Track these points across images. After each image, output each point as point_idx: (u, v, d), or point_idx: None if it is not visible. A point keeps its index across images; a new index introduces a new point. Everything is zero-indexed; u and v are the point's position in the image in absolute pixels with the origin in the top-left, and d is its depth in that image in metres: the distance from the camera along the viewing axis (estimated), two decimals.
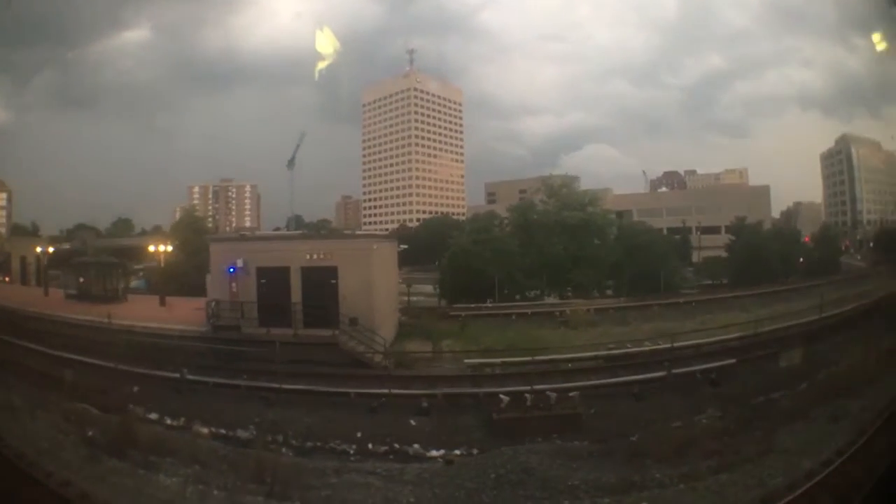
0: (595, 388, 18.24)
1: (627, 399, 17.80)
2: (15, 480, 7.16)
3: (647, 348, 22.72)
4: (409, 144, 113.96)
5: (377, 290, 25.09)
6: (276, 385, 19.03)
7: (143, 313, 28.73)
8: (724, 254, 54.04)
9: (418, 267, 55.02)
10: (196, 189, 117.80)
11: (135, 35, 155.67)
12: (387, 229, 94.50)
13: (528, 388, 17.55)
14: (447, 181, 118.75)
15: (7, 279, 49.56)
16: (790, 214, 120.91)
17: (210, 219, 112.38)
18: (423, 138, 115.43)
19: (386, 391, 18.41)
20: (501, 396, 16.68)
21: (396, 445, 15.45)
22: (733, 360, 20.23)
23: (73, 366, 19.86)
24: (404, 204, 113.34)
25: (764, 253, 48.19)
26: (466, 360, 22.74)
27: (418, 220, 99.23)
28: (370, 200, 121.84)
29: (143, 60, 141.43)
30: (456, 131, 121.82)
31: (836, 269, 55.05)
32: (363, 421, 16.83)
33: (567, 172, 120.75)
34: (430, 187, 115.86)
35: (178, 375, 20.13)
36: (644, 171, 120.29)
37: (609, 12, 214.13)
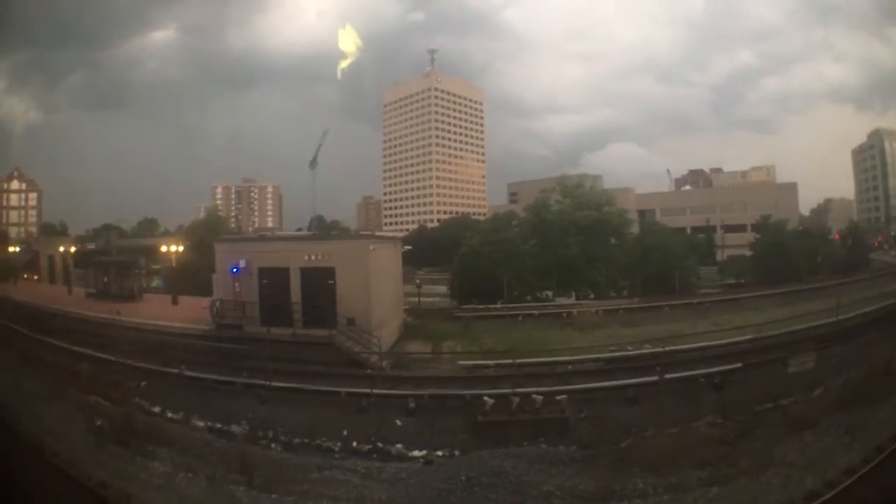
0: (586, 391, 17.73)
1: (621, 404, 17.19)
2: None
3: (647, 351, 22.02)
4: (430, 145, 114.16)
5: (375, 291, 25.09)
6: (268, 383, 19.24)
7: (154, 311, 29.64)
8: (748, 252, 52.63)
9: (437, 268, 55.01)
10: (219, 189, 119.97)
11: (162, 35, 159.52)
12: (407, 230, 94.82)
13: (512, 390, 17.37)
14: (468, 181, 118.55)
15: (36, 277, 51.17)
16: (821, 211, 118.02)
17: (233, 219, 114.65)
18: (443, 138, 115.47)
19: (375, 391, 18.38)
20: (486, 399, 16.49)
21: (380, 444, 15.56)
22: (739, 364, 19.25)
23: (85, 360, 20.82)
24: (425, 205, 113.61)
25: (786, 251, 46.82)
26: (460, 362, 22.68)
27: (439, 220, 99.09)
28: (391, 201, 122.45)
29: (169, 60, 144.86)
30: (477, 131, 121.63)
31: (865, 267, 52.96)
32: (351, 420, 16.94)
33: (585, 172, 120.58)
34: (450, 188, 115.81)
35: (177, 371, 20.85)
36: (668, 170, 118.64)
37: (634, 9, 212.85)
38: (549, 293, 41.26)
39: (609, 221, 45.78)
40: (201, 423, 16.34)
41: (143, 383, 19.37)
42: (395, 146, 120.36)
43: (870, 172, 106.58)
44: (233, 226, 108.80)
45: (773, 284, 39.57)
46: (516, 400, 16.49)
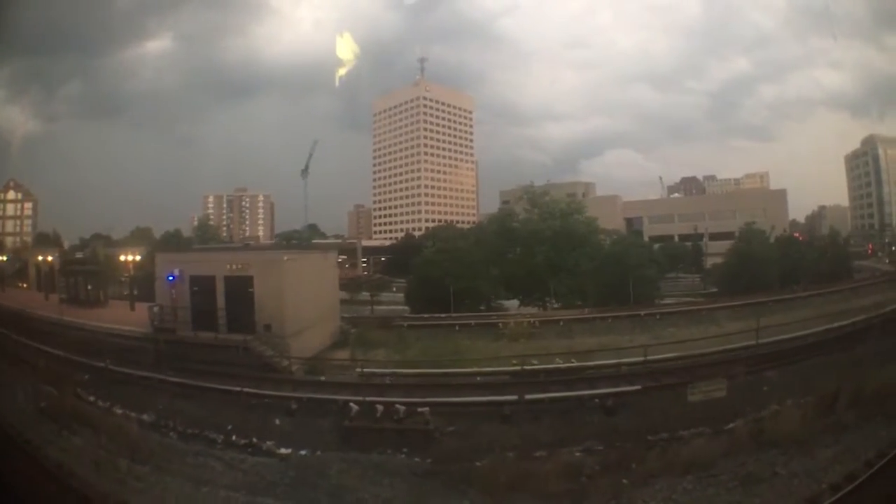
0: (456, 405, 17.66)
1: (496, 420, 16.81)
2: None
3: (553, 366, 21.60)
4: (418, 153, 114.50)
5: (291, 299, 25.95)
6: (179, 380, 21.18)
7: (112, 316, 31.50)
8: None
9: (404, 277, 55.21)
10: (211, 198, 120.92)
11: (158, 44, 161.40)
12: (396, 238, 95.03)
13: (381, 399, 17.64)
14: (458, 189, 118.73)
15: (24, 285, 52.90)
16: (815, 218, 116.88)
17: (224, 228, 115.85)
18: (432, 147, 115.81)
19: (266, 392, 19.64)
20: (352, 405, 17.10)
21: (255, 440, 16.34)
22: (638, 387, 18.36)
23: (43, 355, 23.86)
24: (413, 213, 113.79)
25: (755, 261, 46.08)
26: (358, 370, 23.00)
27: (427, 228, 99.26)
28: (380, 209, 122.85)
29: (165, 69, 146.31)
30: (466, 139, 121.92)
31: (846, 277, 50.95)
32: (239, 416, 18.04)
33: (580, 179, 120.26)
34: (439, 196, 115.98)
35: (103, 365, 23.04)
36: (661, 177, 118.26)
37: (631, 17, 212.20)
38: (517, 302, 41.41)
39: (575, 231, 45.65)
40: (119, 412, 18.49)
41: (87, 376, 21.82)
42: (385, 155, 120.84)
43: (863, 179, 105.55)
44: (224, 234, 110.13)
45: (740, 295, 38.84)
46: (381, 408, 16.76)
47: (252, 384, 20.29)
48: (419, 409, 16.59)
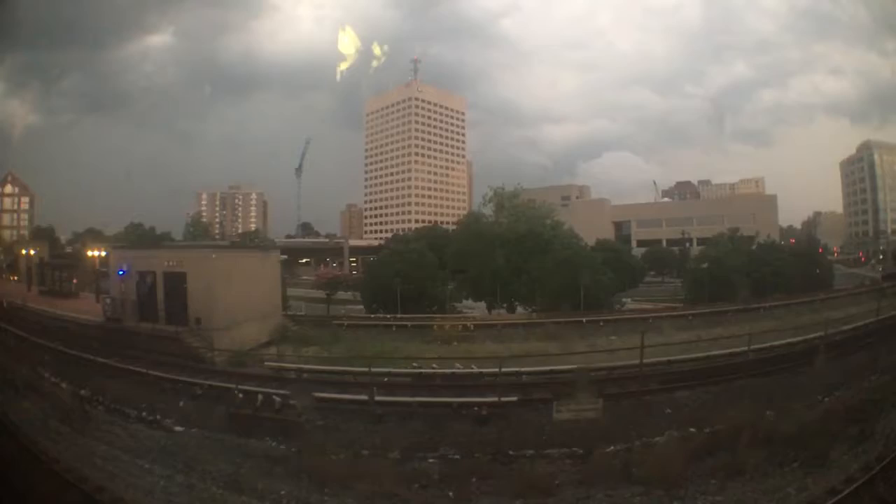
0: (335, 401, 18.18)
1: (367, 419, 17.16)
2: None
3: (456, 371, 21.98)
4: (409, 154, 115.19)
5: (221, 295, 26.93)
6: (110, 362, 23.46)
7: (77, 306, 33.85)
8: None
9: None
10: (204, 195, 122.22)
11: (158, 40, 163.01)
12: (385, 238, 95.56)
13: (261, 390, 18.80)
14: (449, 190, 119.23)
15: (15, 278, 54.68)
16: (810, 224, 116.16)
17: (217, 225, 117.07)
18: (423, 147, 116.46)
19: (180, 377, 21.56)
20: (237, 393, 18.58)
21: (158, 417, 18.18)
22: (515, 398, 17.92)
23: (12, 337, 26.81)
24: (404, 213, 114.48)
25: (724, 268, 45.67)
26: (266, 363, 24.16)
27: (416, 228, 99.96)
28: (371, 209, 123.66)
29: (165, 64, 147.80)
30: (458, 140, 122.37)
31: (825, 286, 48.97)
32: (155, 397, 19.96)
33: (575, 182, 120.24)
34: (430, 196, 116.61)
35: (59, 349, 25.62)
36: (654, 181, 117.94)
37: (631, 20, 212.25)
38: (456, 304, 41.74)
39: (540, 235, 45.74)
40: (64, 386, 20.55)
41: (46, 357, 24.21)
42: (376, 155, 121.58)
43: (858, 185, 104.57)
44: (217, 231, 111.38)
45: (702, 304, 38.54)
46: (260, 398, 18.20)
47: (173, 371, 22.29)
48: (290, 402, 17.75)
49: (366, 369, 20.37)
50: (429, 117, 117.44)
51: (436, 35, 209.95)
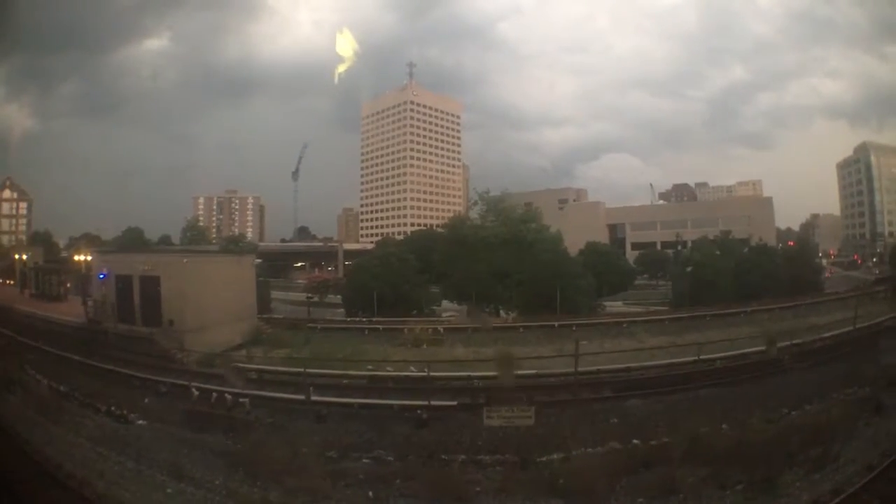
0: (283, 401, 18.75)
1: (310, 419, 17.55)
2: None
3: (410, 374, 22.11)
4: (404, 157, 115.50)
5: (193, 298, 27.70)
6: (88, 361, 24.13)
7: (64, 308, 34.54)
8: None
9: None
10: (201, 200, 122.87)
11: (156, 43, 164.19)
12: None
13: (213, 388, 19.55)
14: (444, 194, 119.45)
15: (10, 282, 55.39)
16: (808, 227, 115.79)
17: (214, 229, 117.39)
18: (418, 151, 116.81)
19: (147, 376, 22.32)
20: (193, 390, 19.37)
21: (124, 412, 18.78)
22: (454, 403, 17.96)
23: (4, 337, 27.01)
24: (399, 216, 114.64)
25: (707, 271, 45.43)
26: (233, 364, 24.21)
27: (411, 231, 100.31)
28: (367, 213, 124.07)
29: (163, 68, 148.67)
30: (454, 144, 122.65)
31: (814, 290, 48.12)
32: (123, 394, 20.58)
33: (572, 185, 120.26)
34: (426, 199, 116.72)
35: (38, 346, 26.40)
36: (651, 184, 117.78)
37: (630, 23, 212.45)
38: (436, 307, 42.00)
39: (524, 239, 45.87)
40: (45, 382, 21.34)
41: (31, 356, 24.70)
42: (372, 158, 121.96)
43: (855, 187, 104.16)
44: (213, 236, 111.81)
45: (684, 308, 38.28)
46: (215, 395, 19.06)
47: (143, 370, 23.06)
48: (240, 400, 18.50)
49: (339, 372, 21.40)
50: (424, 121, 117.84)
51: (434, 38, 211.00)
